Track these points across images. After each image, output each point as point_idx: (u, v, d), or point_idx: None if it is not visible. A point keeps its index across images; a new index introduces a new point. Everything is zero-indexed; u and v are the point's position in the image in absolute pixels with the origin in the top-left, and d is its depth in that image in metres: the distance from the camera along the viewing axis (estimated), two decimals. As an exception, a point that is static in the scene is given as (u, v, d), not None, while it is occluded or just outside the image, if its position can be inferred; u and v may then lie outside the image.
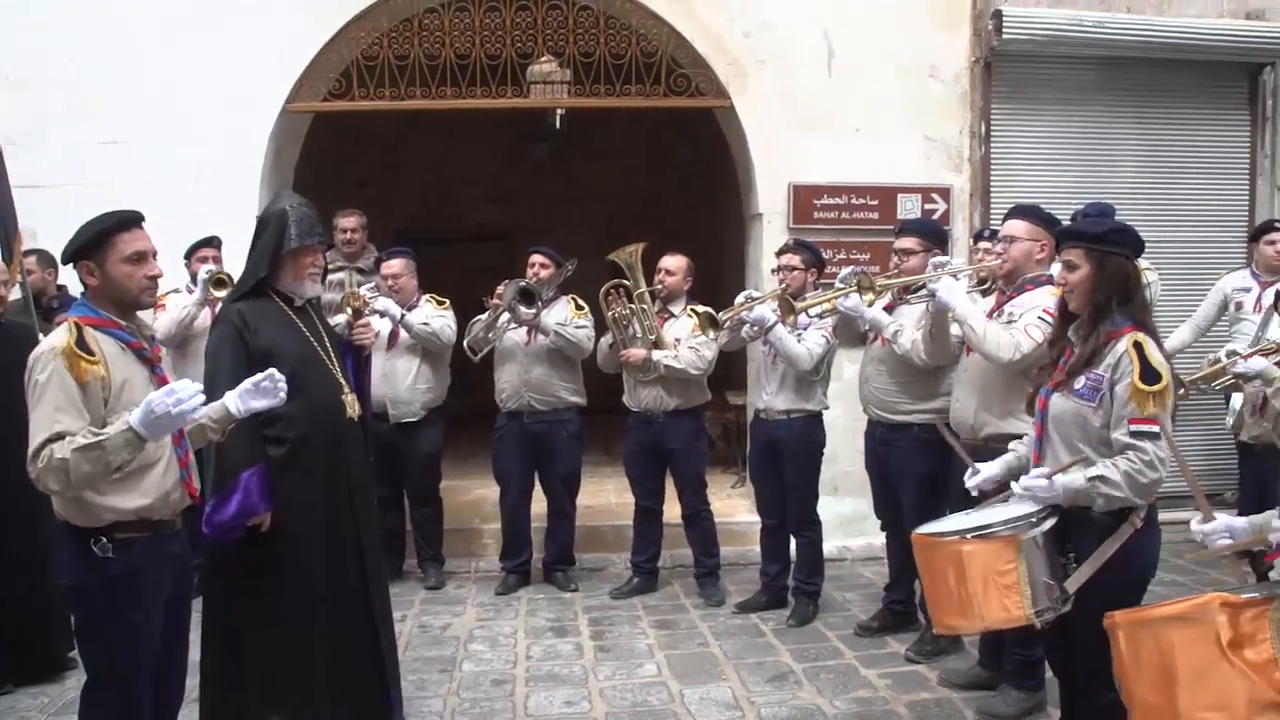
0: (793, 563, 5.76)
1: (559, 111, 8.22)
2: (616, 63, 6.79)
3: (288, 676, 3.71)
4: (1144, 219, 6.99)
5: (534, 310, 5.83)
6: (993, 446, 4.00)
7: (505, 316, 5.90)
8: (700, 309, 5.59)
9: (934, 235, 5.21)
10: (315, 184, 8.30)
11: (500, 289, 5.92)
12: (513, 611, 5.85)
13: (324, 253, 4.12)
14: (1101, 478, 3.13)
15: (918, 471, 5.00)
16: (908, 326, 4.88)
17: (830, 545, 6.33)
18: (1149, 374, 3.10)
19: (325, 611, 3.77)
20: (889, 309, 5.03)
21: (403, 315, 6.00)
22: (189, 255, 6.05)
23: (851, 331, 5.36)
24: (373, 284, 6.26)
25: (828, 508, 6.22)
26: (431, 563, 6.36)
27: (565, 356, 5.99)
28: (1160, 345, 3.24)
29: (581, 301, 6.05)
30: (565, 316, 5.97)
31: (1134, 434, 3.12)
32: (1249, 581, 2.75)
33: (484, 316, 6.05)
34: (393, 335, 6.08)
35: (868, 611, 5.61)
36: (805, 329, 5.34)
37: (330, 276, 6.86)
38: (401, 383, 6.10)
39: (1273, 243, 6.33)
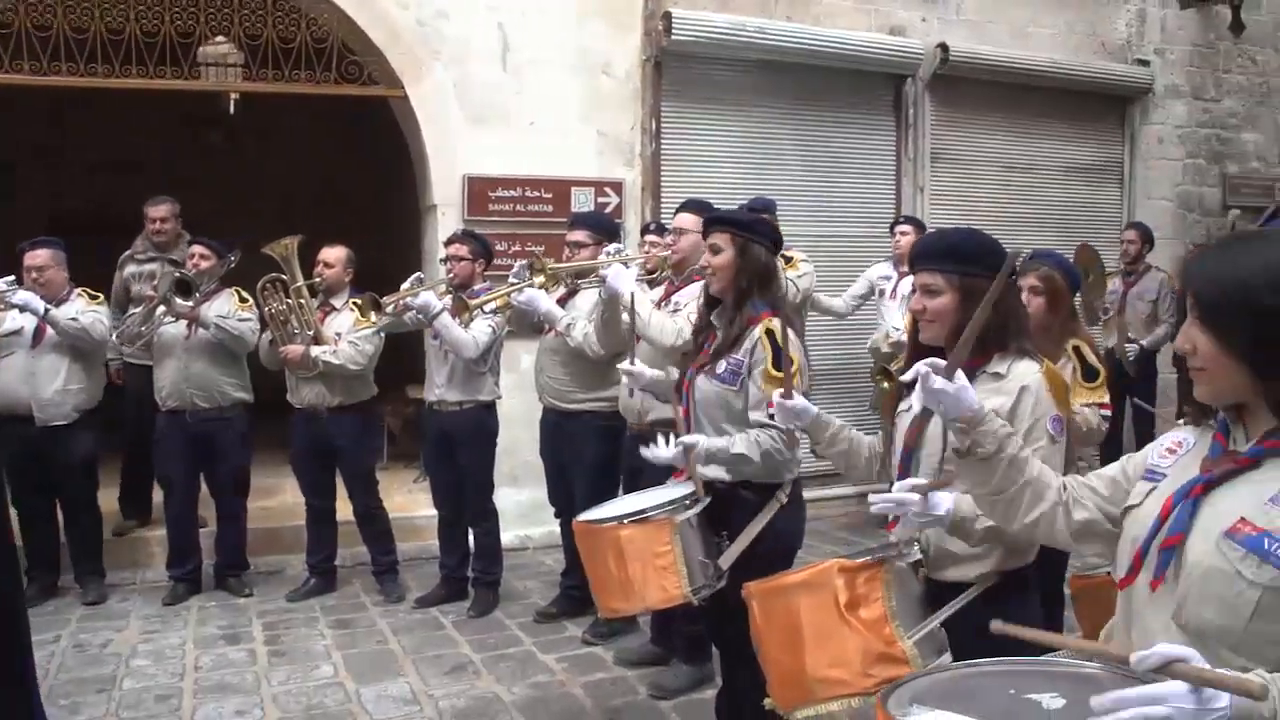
0: (471, 554, 5.78)
1: (233, 95, 7.82)
2: (286, 47, 6.52)
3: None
4: (802, 214, 7.54)
5: (190, 302, 5.55)
6: (659, 431, 4.15)
7: (161, 309, 5.58)
8: (365, 295, 5.51)
9: (605, 228, 5.37)
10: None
11: (156, 280, 5.60)
12: (181, 622, 5.53)
13: None
14: (742, 456, 3.32)
15: (590, 458, 5.13)
16: (580, 319, 4.99)
17: (511, 535, 6.40)
18: (780, 360, 3.31)
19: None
20: (562, 302, 5.13)
21: (47, 310, 5.52)
22: None
23: (527, 322, 5.43)
24: (11, 277, 5.73)
25: (508, 497, 6.30)
26: (90, 576, 5.89)
27: (229, 351, 5.74)
28: (796, 331, 3.47)
29: (246, 294, 5.80)
30: (228, 309, 5.72)
31: (771, 417, 3.32)
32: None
33: (139, 309, 5.70)
34: (39, 332, 5.60)
35: (547, 598, 5.69)
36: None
37: (141, 268, 6.38)
38: (49, 383, 5.62)
39: (893, 235, 7.01)
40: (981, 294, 2.61)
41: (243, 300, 5.79)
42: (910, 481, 2.49)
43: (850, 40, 7.80)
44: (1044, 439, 2.57)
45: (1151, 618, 1.69)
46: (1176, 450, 1.83)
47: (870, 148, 8.26)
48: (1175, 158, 9.38)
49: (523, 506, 6.62)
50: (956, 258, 2.63)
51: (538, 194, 6.92)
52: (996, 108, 8.62)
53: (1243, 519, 1.59)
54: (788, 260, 5.71)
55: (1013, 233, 7.98)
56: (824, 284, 6.89)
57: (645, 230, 5.70)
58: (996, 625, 1.75)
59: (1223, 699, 1.37)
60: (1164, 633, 1.61)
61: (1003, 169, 8.72)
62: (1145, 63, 9.13)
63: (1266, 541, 1.55)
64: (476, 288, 5.43)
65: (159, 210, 6.54)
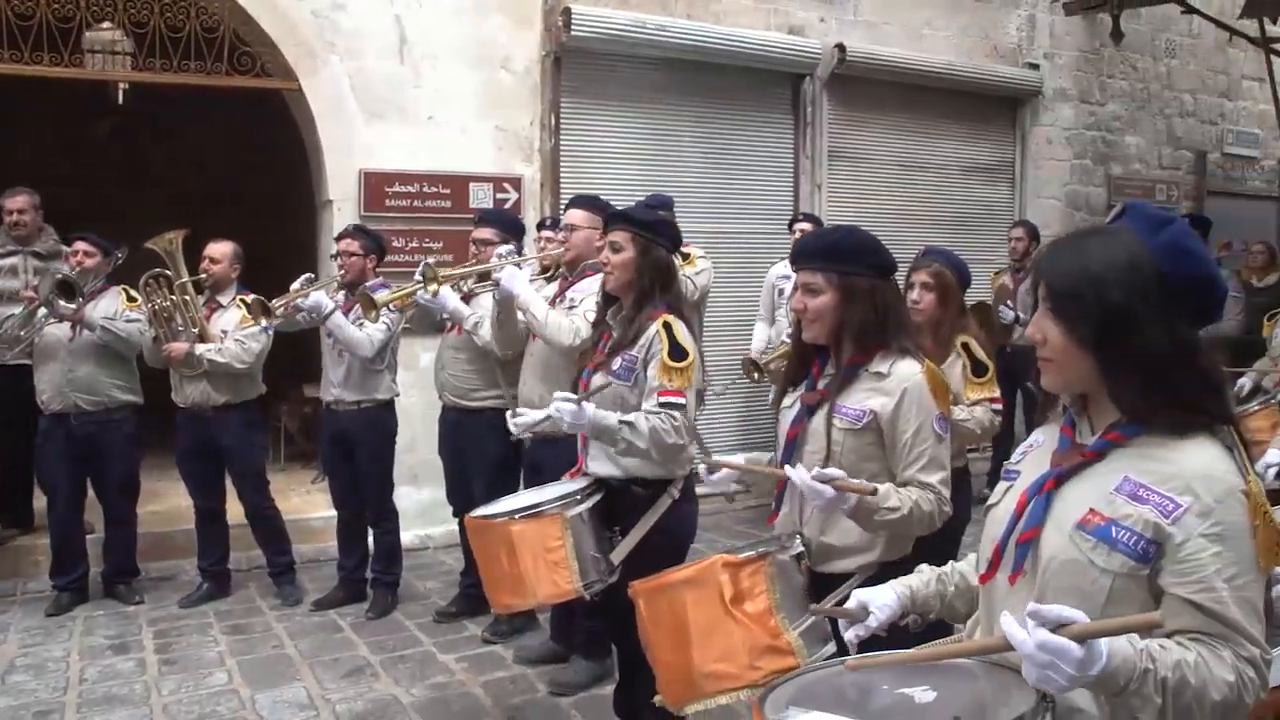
0: (371, 555, 5.71)
1: (122, 85, 7.56)
2: (175, 36, 6.33)
3: None
4: (701, 210, 7.60)
5: (74, 305, 5.36)
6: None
7: (43, 311, 5.38)
8: (251, 297, 5.39)
9: (511, 226, 5.33)
10: None
11: (35, 281, 5.39)
12: (66, 633, 5.33)
13: None
14: (630, 424, 3.25)
15: (493, 455, 5.09)
16: (487, 318, 4.93)
17: (412, 534, 6.33)
18: (676, 351, 3.31)
19: None
20: (466, 299, 5.08)
21: None
22: None
23: (428, 321, 5.37)
24: None
25: (408, 497, 6.24)
26: (-37, 590, 5.70)
27: (116, 352, 5.55)
28: (691, 329, 3.48)
29: (135, 293, 5.60)
30: (115, 309, 5.53)
31: (661, 404, 3.29)
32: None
33: (18, 311, 5.48)
34: (-92, 334, 5.39)
35: (448, 598, 5.64)
36: None
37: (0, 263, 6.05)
38: (-75, 387, 5.41)
39: (792, 232, 7.08)
40: (861, 292, 2.67)
41: (131, 300, 5.59)
42: (829, 472, 2.50)
43: (749, 39, 7.88)
44: (931, 439, 2.64)
45: (1012, 611, 1.74)
46: (1028, 450, 1.90)
47: (769, 145, 8.35)
48: (1063, 158, 9.70)
49: (423, 505, 6.55)
50: (835, 257, 2.68)
51: (436, 189, 6.83)
52: (893, 107, 8.79)
53: (1092, 510, 1.65)
54: (685, 257, 5.73)
55: (907, 229, 8.19)
56: (722, 280, 6.94)
57: (540, 226, 5.68)
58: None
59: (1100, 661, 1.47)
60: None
61: (899, 167, 8.90)
62: (1035, 66, 9.40)
63: (1114, 530, 1.62)
64: (369, 284, 5.35)
65: (15, 201, 6.21)
